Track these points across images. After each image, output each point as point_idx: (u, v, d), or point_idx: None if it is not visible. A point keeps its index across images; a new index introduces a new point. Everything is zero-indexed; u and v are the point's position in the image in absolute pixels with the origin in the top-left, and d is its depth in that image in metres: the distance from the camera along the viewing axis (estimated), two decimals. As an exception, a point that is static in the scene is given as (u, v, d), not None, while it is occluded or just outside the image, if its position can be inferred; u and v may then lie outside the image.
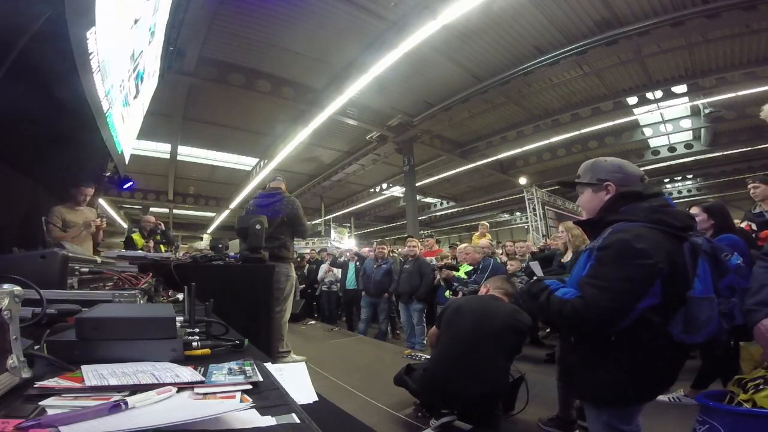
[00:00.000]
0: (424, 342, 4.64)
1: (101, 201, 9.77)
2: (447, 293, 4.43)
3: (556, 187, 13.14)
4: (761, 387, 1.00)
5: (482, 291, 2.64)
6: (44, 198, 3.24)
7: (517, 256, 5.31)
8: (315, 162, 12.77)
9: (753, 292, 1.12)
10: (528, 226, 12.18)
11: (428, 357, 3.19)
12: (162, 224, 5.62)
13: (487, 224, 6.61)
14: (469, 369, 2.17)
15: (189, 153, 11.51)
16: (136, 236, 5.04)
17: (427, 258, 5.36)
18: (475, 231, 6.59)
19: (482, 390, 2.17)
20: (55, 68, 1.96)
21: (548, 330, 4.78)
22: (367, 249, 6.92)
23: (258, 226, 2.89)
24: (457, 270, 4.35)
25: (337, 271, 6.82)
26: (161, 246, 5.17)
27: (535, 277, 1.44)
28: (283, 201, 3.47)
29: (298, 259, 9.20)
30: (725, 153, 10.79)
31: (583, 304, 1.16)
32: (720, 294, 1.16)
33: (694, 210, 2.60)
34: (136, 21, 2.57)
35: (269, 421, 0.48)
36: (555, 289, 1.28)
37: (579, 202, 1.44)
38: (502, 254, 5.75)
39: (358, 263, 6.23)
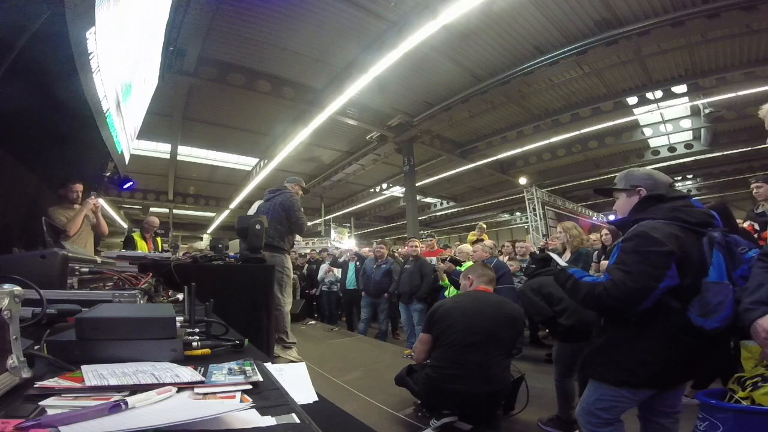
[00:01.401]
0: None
1: (101, 201, 9.77)
2: (447, 293, 4.44)
3: (556, 187, 13.15)
4: (759, 384, 1.01)
5: (465, 283, 2.59)
6: (45, 198, 3.23)
7: (517, 257, 5.31)
8: (315, 162, 12.77)
9: (750, 291, 1.15)
10: (528, 226, 12.18)
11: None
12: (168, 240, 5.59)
13: (485, 225, 6.57)
14: (472, 369, 2.17)
15: (189, 153, 11.50)
16: (136, 236, 5.02)
17: (428, 258, 5.37)
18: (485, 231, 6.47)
19: (486, 389, 2.18)
20: (55, 68, 1.96)
21: (548, 330, 4.78)
22: (367, 249, 6.92)
23: (258, 226, 2.89)
24: (460, 264, 4.38)
25: (337, 271, 6.82)
26: (162, 245, 5.17)
27: (558, 266, 1.66)
28: (283, 194, 3.65)
29: (298, 256, 9.21)
30: (725, 153, 10.79)
31: (612, 285, 1.34)
32: (735, 283, 1.24)
33: None
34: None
35: (269, 421, 0.48)
36: (580, 277, 1.46)
37: (615, 206, 1.66)
38: (500, 255, 5.74)
39: (358, 263, 6.23)
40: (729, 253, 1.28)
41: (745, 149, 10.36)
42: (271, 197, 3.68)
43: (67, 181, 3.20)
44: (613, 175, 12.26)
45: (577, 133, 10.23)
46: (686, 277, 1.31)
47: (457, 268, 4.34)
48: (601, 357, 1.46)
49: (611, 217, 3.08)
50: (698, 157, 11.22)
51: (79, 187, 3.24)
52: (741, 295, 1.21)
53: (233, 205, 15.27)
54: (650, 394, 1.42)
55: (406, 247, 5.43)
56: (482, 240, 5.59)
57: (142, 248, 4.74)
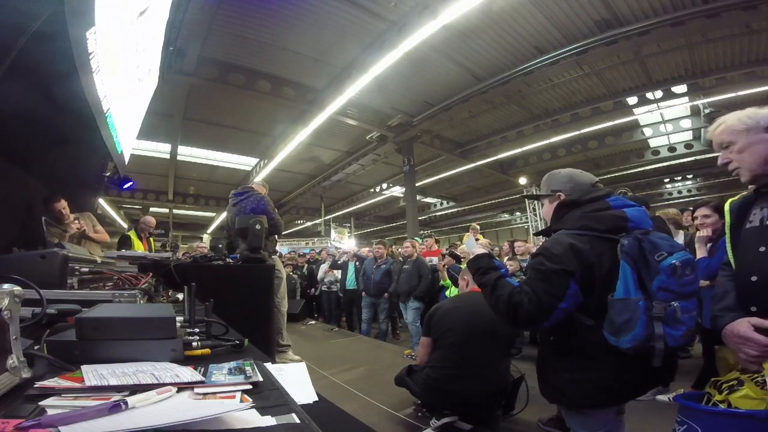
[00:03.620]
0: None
1: (101, 201, 9.77)
2: (448, 293, 4.44)
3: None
4: (736, 388, 1.02)
5: (462, 284, 2.60)
6: (44, 198, 3.23)
7: (516, 257, 5.30)
8: (315, 162, 12.76)
9: (718, 298, 1.14)
10: (528, 226, 12.18)
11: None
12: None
13: (477, 226, 6.60)
14: (472, 369, 2.18)
15: (189, 153, 11.50)
16: (132, 234, 5.00)
17: (427, 258, 5.37)
18: (479, 231, 6.53)
19: (487, 388, 2.19)
20: (55, 68, 1.96)
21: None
22: (366, 249, 6.92)
23: (258, 226, 2.89)
24: (460, 261, 4.39)
25: (337, 272, 6.83)
26: (155, 246, 5.15)
27: (480, 252, 1.47)
28: (251, 198, 3.52)
29: (298, 256, 9.25)
30: (725, 153, 10.77)
31: (520, 299, 1.23)
32: (653, 296, 1.12)
33: (704, 211, 2.58)
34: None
35: (269, 421, 0.48)
36: (505, 275, 1.35)
37: (543, 213, 1.56)
38: (498, 255, 5.74)
39: (357, 263, 6.24)
40: (643, 262, 1.15)
41: (745, 149, 10.33)
42: (238, 201, 3.52)
43: (49, 200, 3.02)
44: (613, 175, 12.33)
45: (577, 133, 10.22)
46: (592, 293, 1.21)
47: (458, 264, 4.35)
48: (542, 378, 1.40)
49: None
50: (698, 157, 11.22)
51: (62, 204, 3.10)
52: (657, 312, 1.10)
53: (233, 205, 15.23)
54: (611, 410, 1.32)
55: (403, 248, 5.45)
56: (477, 240, 5.61)
57: (139, 248, 4.72)
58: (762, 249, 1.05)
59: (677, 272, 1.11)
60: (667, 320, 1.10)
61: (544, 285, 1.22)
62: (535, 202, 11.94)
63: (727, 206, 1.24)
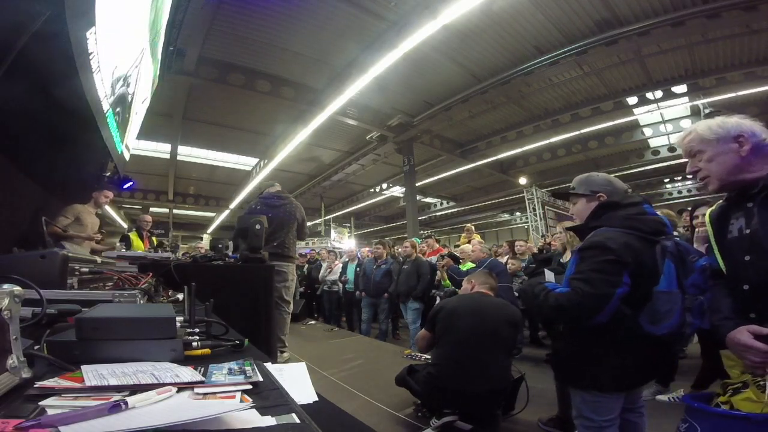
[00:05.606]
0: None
1: (106, 206, 9.79)
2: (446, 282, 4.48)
3: (556, 187, 13.12)
4: (740, 390, 1.04)
5: (467, 286, 2.63)
6: (44, 198, 3.23)
7: (517, 256, 5.31)
8: (315, 162, 12.77)
9: (714, 309, 1.20)
10: (528, 226, 12.19)
11: (428, 357, 3.19)
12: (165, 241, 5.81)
13: (472, 227, 6.62)
14: (474, 368, 2.19)
15: (189, 153, 11.51)
16: (132, 235, 5.02)
17: (428, 258, 5.37)
18: (474, 232, 6.54)
19: (488, 388, 2.20)
20: (55, 68, 1.96)
21: (546, 330, 4.78)
22: (367, 249, 6.93)
23: (258, 226, 2.88)
24: (458, 262, 4.40)
25: (337, 270, 6.84)
26: (157, 243, 5.18)
27: (543, 282, 1.62)
28: (293, 204, 3.67)
29: (298, 256, 9.28)
30: (725, 153, 10.78)
31: (575, 294, 1.34)
32: (686, 291, 1.29)
33: (704, 210, 2.61)
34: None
35: (269, 421, 0.48)
36: (553, 288, 1.46)
37: (572, 210, 1.66)
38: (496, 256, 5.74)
39: (354, 264, 6.28)
40: (681, 261, 1.31)
41: (745, 149, 10.33)
42: (281, 204, 3.60)
43: (105, 187, 3.66)
44: (613, 175, 12.30)
45: (577, 133, 10.23)
46: (639, 285, 1.32)
47: (456, 265, 4.37)
48: (568, 363, 1.52)
49: (566, 223, 3.20)
50: (698, 157, 11.21)
51: (111, 195, 3.75)
52: (689, 304, 1.26)
53: (233, 205, 15.27)
54: (623, 396, 1.45)
55: (402, 248, 5.47)
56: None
57: (138, 247, 4.74)
58: (747, 258, 1.09)
59: (705, 272, 1.26)
60: (694, 311, 1.27)
61: (600, 275, 1.32)
62: (535, 201, 11.93)
63: (707, 218, 1.30)
